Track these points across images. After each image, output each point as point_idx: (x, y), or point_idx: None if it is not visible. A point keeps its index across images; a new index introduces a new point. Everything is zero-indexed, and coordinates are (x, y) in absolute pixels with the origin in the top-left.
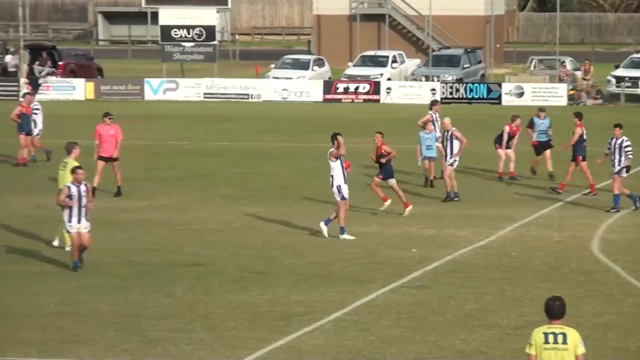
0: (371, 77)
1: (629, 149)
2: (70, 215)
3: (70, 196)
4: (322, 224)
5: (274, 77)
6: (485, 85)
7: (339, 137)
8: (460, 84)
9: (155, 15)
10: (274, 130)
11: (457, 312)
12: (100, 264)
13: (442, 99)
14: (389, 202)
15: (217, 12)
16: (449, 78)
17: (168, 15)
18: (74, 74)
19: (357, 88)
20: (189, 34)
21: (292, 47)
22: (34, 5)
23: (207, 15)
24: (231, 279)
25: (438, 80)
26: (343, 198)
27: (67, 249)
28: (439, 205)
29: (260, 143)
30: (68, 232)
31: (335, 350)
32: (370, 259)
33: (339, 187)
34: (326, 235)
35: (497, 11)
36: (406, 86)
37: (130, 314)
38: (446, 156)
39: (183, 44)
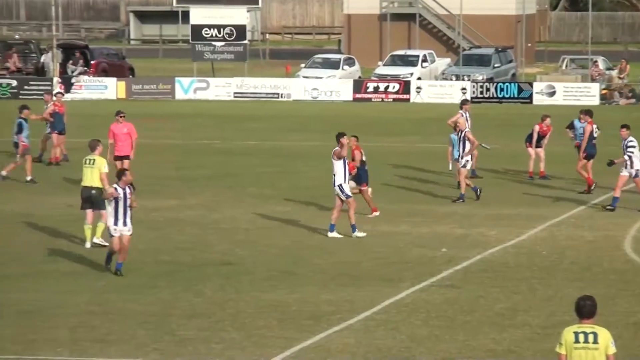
0: (401, 76)
1: (631, 149)
2: (116, 218)
3: (117, 198)
4: (331, 234)
5: (304, 77)
6: (516, 84)
7: (341, 139)
8: (491, 83)
9: (186, 15)
10: (304, 130)
11: (487, 311)
12: (131, 263)
13: (472, 98)
14: (377, 213)
15: (248, 11)
16: (480, 77)
17: (199, 15)
18: (105, 73)
19: (387, 87)
20: (219, 33)
21: (323, 47)
22: (67, 5)
23: (238, 15)
24: (261, 278)
25: (468, 80)
26: (348, 197)
27: (87, 245)
28: (469, 204)
29: (290, 142)
30: (111, 235)
31: (364, 350)
32: (400, 258)
33: (340, 187)
34: (339, 235)
35: (529, 10)
36: (436, 85)
37: (160, 313)
38: (459, 157)
39: (214, 43)
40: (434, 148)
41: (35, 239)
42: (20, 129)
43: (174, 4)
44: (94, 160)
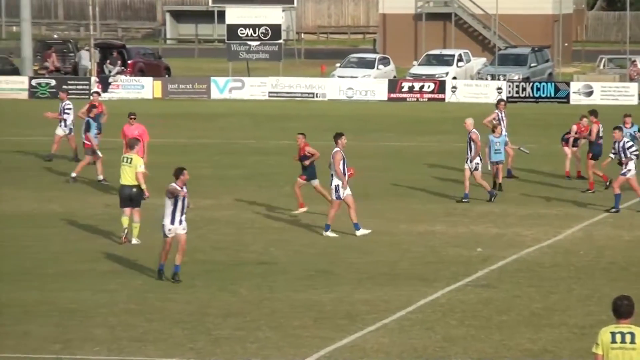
0: (436, 75)
1: (631, 149)
2: (173, 217)
3: (176, 197)
4: (326, 233)
5: (339, 76)
6: (553, 84)
7: (338, 141)
8: (527, 83)
9: (222, 14)
10: (339, 129)
11: (523, 311)
12: (168, 262)
13: (508, 97)
14: (304, 209)
15: (283, 10)
16: (516, 77)
17: (234, 14)
18: (142, 72)
19: (422, 87)
20: (255, 32)
21: (358, 46)
22: (104, 4)
23: (273, 14)
24: (296, 278)
25: (504, 79)
26: (338, 198)
27: (135, 241)
28: (505, 204)
29: (325, 142)
30: (165, 236)
31: (399, 349)
32: (436, 258)
33: (336, 187)
34: (333, 235)
35: (566, 10)
36: (472, 85)
37: (196, 312)
38: (467, 159)
39: (249, 42)
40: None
41: (74, 239)
42: (88, 128)
43: (210, 3)
44: (132, 158)
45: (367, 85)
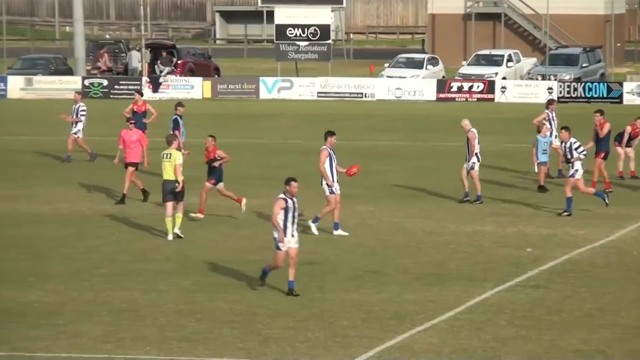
0: (485, 76)
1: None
2: (285, 230)
3: (286, 209)
4: (336, 232)
5: (388, 76)
6: (605, 84)
7: (328, 139)
8: (579, 83)
9: (271, 15)
10: (387, 129)
11: (575, 311)
12: (217, 261)
13: (559, 98)
14: (202, 216)
15: (332, 11)
16: (567, 77)
17: (283, 15)
18: (192, 72)
19: (471, 87)
20: (303, 33)
21: (406, 46)
22: (155, 4)
23: (322, 15)
24: (345, 277)
25: (555, 79)
26: (332, 192)
27: (170, 238)
28: (555, 205)
29: (373, 142)
30: (278, 249)
31: (449, 350)
32: (485, 258)
33: (327, 185)
34: (343, 233)
35: (618, 10)
36: (522, 85)
37: (246, 312)
38: (467, 159)
39: (298, 43)
40: (519, 148)
41: (126, 239)
42: (176, 126)
43: (259, 3)
44: (170, 154)
45: (416, 85)
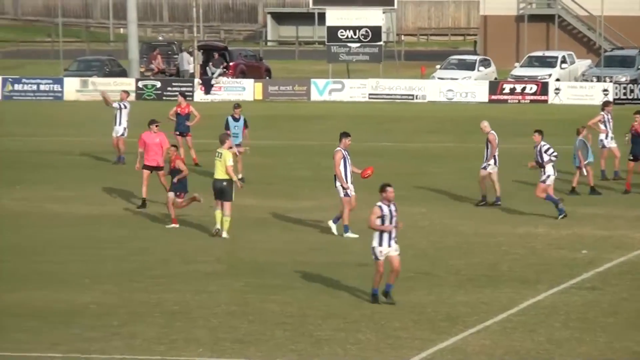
0: (539, 77)
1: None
2: (381, 239)
3: (382, 217)
4: (330, 222)
5: (439, 78)
6: None
7: (342, 140)
8: (635, 85)
9: (322, 16)
10: (439, 131)
11: (632, 313)
12: (268, 263)
13: (615, 99)
14: (177, 225)
15: (383, 12)
16: (623, 79)
17: (335, 16)
18: (243, 74)
19: (523, 89)
20: (355, 34)
21: (458, 48)
22: (207, 6)
23: (373, 16)
24: (397, 279)
25: (610, 81)
26: (347, 195)
27: (225, 235)
28: (611, 206)
29: (425, 144)
30: (376, 259)
31: (502, 351)
32: (538, 260)
33: (342, 186)
34: (353, 235)
35: None
36: (576, 87)
37: (297, 313)
38: (485, 160)
39: (349, 44)
40: (569, 150)
41: (178, 240)
42: (244, 125)
43: (311, 5)
44: (222, 153)
45: (468, 86)
